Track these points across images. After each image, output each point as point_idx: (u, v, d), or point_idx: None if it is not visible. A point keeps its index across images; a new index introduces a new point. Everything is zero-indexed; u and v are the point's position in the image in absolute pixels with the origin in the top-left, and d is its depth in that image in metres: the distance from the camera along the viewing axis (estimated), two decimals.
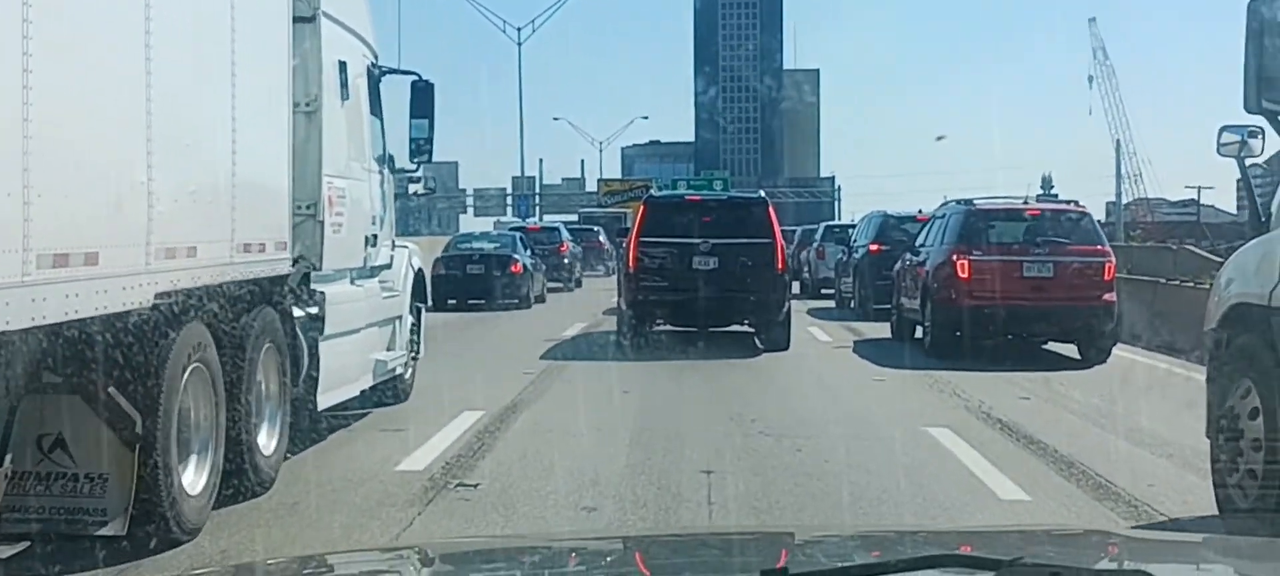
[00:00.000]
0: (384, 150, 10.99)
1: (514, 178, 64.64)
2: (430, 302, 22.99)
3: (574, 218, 48.30)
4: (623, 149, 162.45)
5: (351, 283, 9.88)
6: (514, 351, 14.36)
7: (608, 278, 32.46)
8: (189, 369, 6.40)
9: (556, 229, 33.12)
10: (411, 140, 11.32)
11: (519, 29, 58.20)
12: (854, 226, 30.78)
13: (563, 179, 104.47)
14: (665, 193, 23.99)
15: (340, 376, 9.18)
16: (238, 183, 6.78)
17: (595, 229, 38.93)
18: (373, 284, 10.43)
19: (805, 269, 27.78)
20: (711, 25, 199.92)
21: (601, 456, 7.53)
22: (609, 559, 2.56)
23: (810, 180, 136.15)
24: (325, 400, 8.83)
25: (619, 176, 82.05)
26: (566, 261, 30.38)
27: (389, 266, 11.10)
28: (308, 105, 8.62)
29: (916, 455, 7.53)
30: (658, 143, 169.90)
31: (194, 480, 6.60)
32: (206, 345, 6.62)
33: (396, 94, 11.28)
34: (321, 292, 8.77)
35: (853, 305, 21.15)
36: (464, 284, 23.22)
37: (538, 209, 76.09)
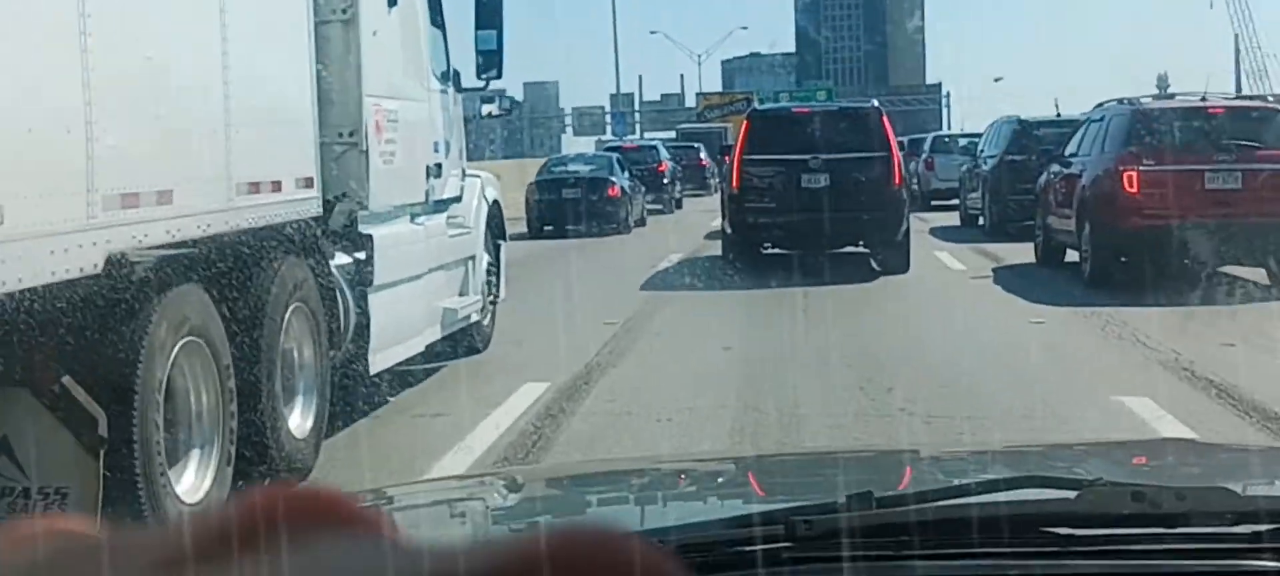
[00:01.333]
0: (448, 66, 9.55)
1: (611, 95, 62.84)
2: (527, 230, 22.01)
3: (672, 134, 46.43)
4: (722, 62, 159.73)
5: (411, 221, 8.49)
6: (602, 288, 12.79)
7: (710, 197, 30.84)
8: (177, 345, 5.01)
9: (654, 147, 31.39)
10: (478, 53, 9.84)
11: None
12: (965, 136, 28.74)
13: (661, 95, 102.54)
14: (770, 105, 22.29)
15: (398, 332, 7.80)
16: (233, 107, 5.31)
17: (696, 146, 37.05)
18: (438, 221, 9.03)
19: (914, 181, 25.97)
20: None
21: None
22: (721, 479, 2.51)
23: (916, 88, 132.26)
24: (379, 361, 7.46)
25: (719, 90, 79.74)
26: (665, 181, 28.72)
27: (459, 199, 9.69)
28: (343, 11, 7.17)
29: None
30: (758, 55, 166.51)
31: (194, 484, 5.25)
32: (203, 313, 5.21)
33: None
34: (369, 236, 7.37)
35: (981, 223, 19.19)
36: (560, 209, 21.81)
37: (638, 126, 74.38)
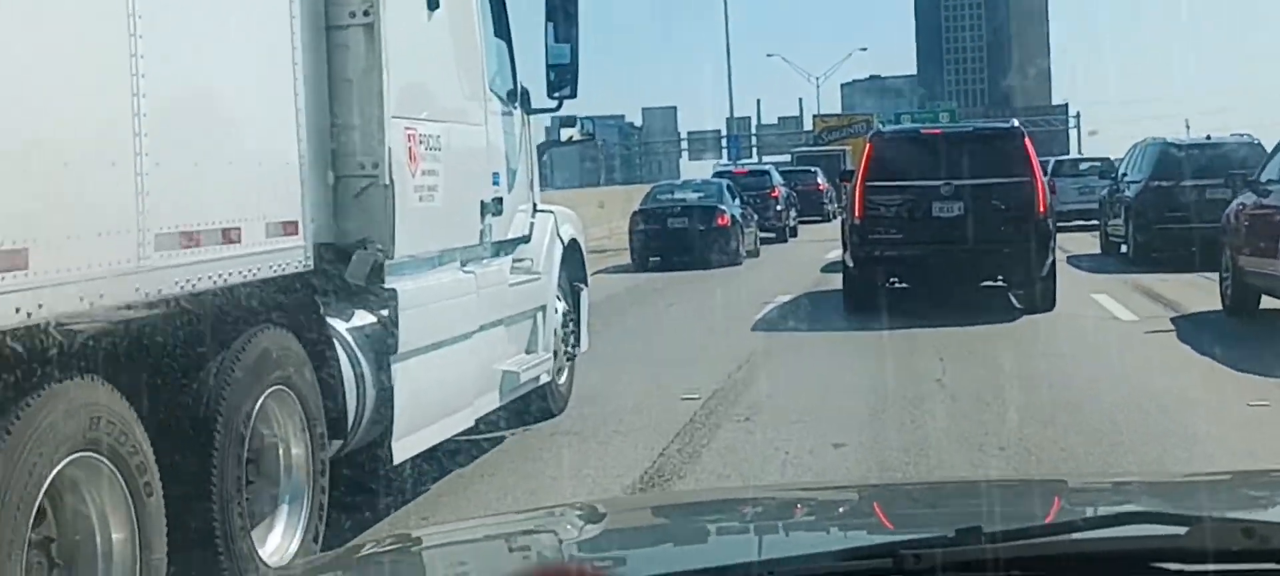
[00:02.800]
0: (515, 84, 8.11)
1: (728, 119, 61.14)
2: (631, 261, 20.42)
3: (788, 159, 44.66)
4: (841, 85, 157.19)
5: (461, 268, 7.05)
6: (696, 338, 10.96)
7: (828, 225, 29.00)
8: (56, 467, 3.52)
9: (766, 172, 29.58)
10: (549, 68, 8.35)
11: None
12: (1088, 160, 28.63)
13: (779, 118, 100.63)
14: (896, 126, 20.48)
15: (433, 407, 6.32)
16: (149, 129, 3.80)
17: (812, 170, 35.30)
18: (497, 267, 7.59)
19: None
20: None
21: None
22: (842, 509, 2.42)
23: (1042, 109, 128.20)
24: (407, 447, 5.98)
25: (837, 112, 77.47)
26: (778, 208, 26.85)
27: (526, 239, 8.21)
28: (363, 12, 5.77)
29: None
30: (878, 77, 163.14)
31: None
32: (103, 417, 3.71)
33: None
34: (392, 291, 5.91)
35: (1124, 250, 17.92)
36: (665, 240, 20.13)
37: (754, 150, 72.60)
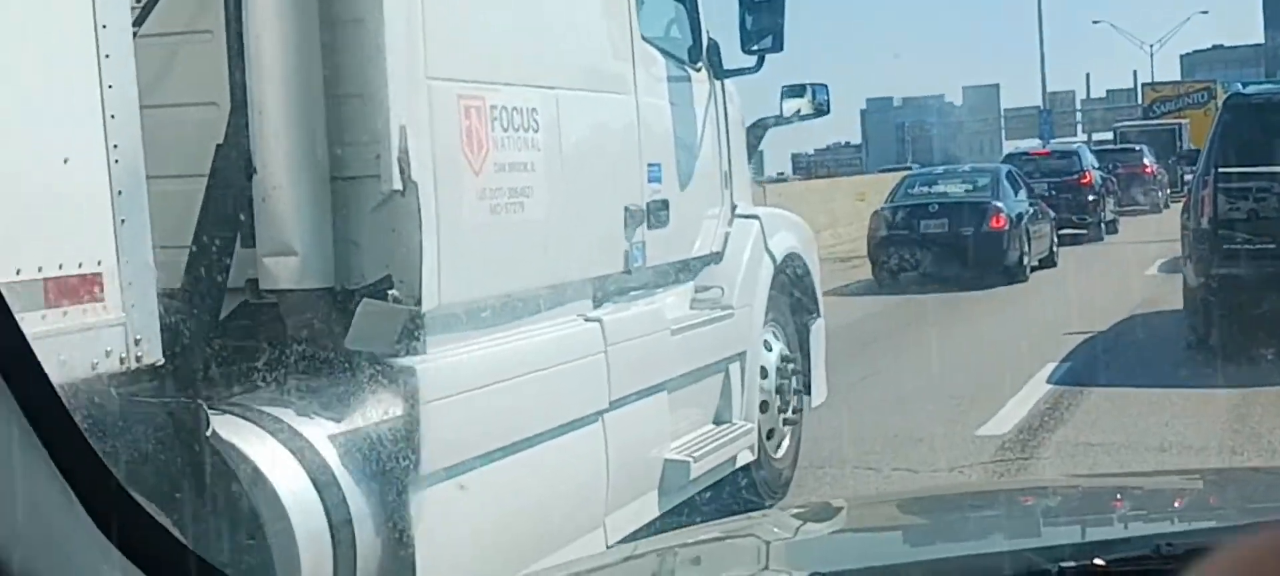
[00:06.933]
0: (697, 36, 5.65)
1: (1044, 93, 55.90)
2: (872, 277, 15.37)
3: (1109, 136, 39.20)
4: (1181, 55, 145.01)
5: (585, 314, 4.65)
6: (923, 430, 7.11)
7: (1156, 216, 24.48)
8: None
9: (1074, 153, 23.88)
10: (743, 10, 5.79)
11: None
12: None
13: (1107, 91, 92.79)
14: (1261, 88, 15.61)
15: (506, 553, 3.98)
16: None
17: (1137, 149, 30.00)
18: (652, 308, 5.13)
19: None
20: None
21: None
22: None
23: None
24: None
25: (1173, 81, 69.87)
26: (1090, 199, 21.37)
27: (717, 258, 5.69)
28: None
29: None
30: (1221, 47, 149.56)
31: None
32: None
33: None
34: (407, 370, 3.59)
35: None
36: (917, 249, 15.16)
37: (1078, 127, 66.47)
